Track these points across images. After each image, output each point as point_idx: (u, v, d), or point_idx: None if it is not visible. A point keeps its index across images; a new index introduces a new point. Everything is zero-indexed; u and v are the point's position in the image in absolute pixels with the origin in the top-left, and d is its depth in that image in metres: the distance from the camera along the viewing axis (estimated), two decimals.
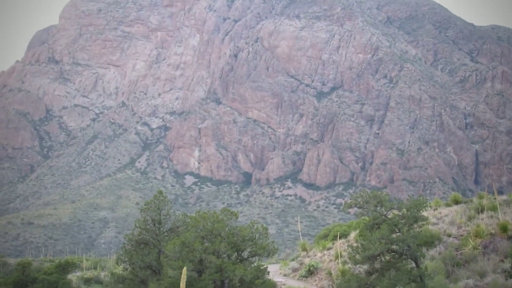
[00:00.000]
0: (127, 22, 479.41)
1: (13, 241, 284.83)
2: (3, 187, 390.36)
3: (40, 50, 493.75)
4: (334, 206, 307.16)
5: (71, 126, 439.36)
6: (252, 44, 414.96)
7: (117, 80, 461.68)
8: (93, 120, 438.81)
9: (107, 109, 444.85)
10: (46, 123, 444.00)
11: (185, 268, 15.55)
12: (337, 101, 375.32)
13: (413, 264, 39.78)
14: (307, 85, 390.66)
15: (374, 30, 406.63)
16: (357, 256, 40.33)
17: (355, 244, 42.67)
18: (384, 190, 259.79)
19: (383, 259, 39.95)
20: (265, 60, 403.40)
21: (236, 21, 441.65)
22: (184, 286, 13.04)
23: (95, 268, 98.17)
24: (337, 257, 54.48)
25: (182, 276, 15.56)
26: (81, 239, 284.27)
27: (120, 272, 52.20)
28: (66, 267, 54.70)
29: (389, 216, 41.06)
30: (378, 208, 41.13)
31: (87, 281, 78.83)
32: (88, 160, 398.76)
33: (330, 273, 53.58)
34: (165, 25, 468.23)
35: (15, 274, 46.27)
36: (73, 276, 74.29)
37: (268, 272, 42.16)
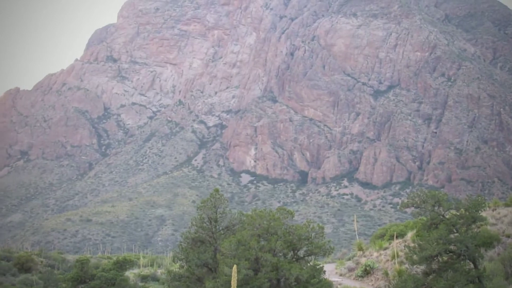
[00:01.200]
0: (184, 20, 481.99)
1: (72, 238, 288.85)
2: (62, 185, 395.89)
3: (98, 49, 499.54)
4: (391, 205, 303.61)
5: (128, 124, 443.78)
6: (309, 43, 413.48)
7: (174, 78, 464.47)
8: (151, 118, 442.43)
9: (164, 107, 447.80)
10: (104, 121, 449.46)
11: (235, 266, 15.57)
12: (394, 99, 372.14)
13: (471, 265, 39.13)
14: (363, 84, 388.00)
15: (432, 28, 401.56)
16: (414, 257, 39.84)
17: (412, 244, 42.30)
18: (442, 189, 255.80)
19: (440, 259, 39.33)
20: (322, 58, 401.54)
21: (292, 19, 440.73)
22: (236, 284, 13.08)
23: (151, 265, 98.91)
24: (393, 257, 53.91)
25: (233, 274, 15.58)
26: (138, 237, 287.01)
27: (177, 269, 52.40)
28: (123, 264, 55.33)
29: (447, 216, 40.39)
30: (436, 208, 40.50)
31: (144, 278, 79.51)
32: (145, 158, 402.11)
33: (386, 273, 53.06)
34: (222, 24, 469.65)
35: (74, 271, 46.95)
36: (130, 273, 74.97)
37: (324, 272, 41.97)
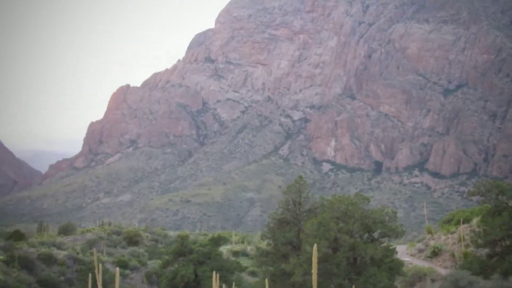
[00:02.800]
0: (274, 26, 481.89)
1: (173, 216, 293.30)
2: (165, 170, 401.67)
3: (198, 51, 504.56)
4: (458, 193, 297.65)
5: (223, 117, 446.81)
6: (385, 46, 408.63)
7: (264, 77, 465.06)
8: (243, 112, 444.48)
9: (255, 103, 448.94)
10: (202, 114, 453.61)
11: (315, 245, 15.58)
12: (462, 97, 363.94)
13: None
14: (434, 83, 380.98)
15: (498, 33, 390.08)
16: (479, 240, 39.38)
17: (477, 229, 41.57)
18: (505, 180, 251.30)
19: (503, 243, 38.45)
20: (396, 60, 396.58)
21: (370, 25, 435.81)
22: (316, 261, 13.11)
23: (242, 242, 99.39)
24: (460, 241, 52.92)
25: (314, 252, 15.64)
26: (231, 217, 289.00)
27: (264, 247, 52.73)
28: (218, 241, 55.91)
29: (510, 204, 39.56)
30: (500, 196, 39.93)
31: (235, 253, 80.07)
32: (238, 147, 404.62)
33: (453, 255, 52.17)
34: (307, 29, 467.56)
35: (175, 245, 47.65)
36: (223, 249, 75.49)
37: (396, 252, 41.46)
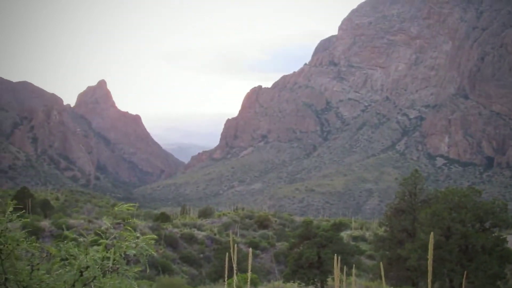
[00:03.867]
0: (392, 32, 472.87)
1: (299, 203, 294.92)
2: (292, 162, 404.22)
3: (322, 55, 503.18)
4: None
5: (345, 115, 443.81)
6: (497, 49, 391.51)
7: (382, 79, 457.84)
8: (362, 111, 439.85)
9: (374, 102, 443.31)
10: (326, 112, 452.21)
11: (432, 233, 15.35)
12: None
13: None
14: None
15: None
16: None
17: None
18: None
19: None
20: (509, 62, 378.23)
21: (483, 30, 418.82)
22: (432, 248, 12.92)
23: (361, 228, 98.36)
24: None
25: (430, 239, 15.38)
26: (351, 205, 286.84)
27: (381, 233, 52.17)
28: (339, 226, 55.78)
29: None
30: None
31: (354, 238, 79.46)
32: (358, 142, 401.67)
33: None
34: (423, 34, 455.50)
35: (300, 229, 47.86)
36: (344, 234, 75.19)
37: (507, 242, 39.91)
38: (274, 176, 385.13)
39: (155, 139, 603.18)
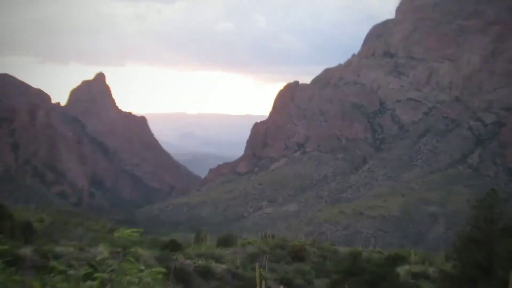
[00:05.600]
0: (463, 15, 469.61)
1: (344, 230, 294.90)
2: (336, 177, 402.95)
3: (376, 45, 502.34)
4: None
5: (403, 119, 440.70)
6: None
7: (451, 74, 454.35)
8: (426, 114, 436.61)
9: (440, 103, 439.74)
10: (379, 115, 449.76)
11: None
12: None
13: None
14: None
15: None
16: None
17: None
18: None
19: None
20: None
21: None
22: None
23: (423, 263, 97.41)
24: None
25: (510, 279, 15.02)
26: (410, 233, 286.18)
27: (449, 269, 51.71)
28: (395, 260, 55.21)
29: None
30: None
31: (414, 275, 78.51)
32: (419, 154, 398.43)
33: None
34: (503, 18, 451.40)
35: (345, 263, 47.65)
36: (401, 269, 74.49)
37: None
38: (313, 195, 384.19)
39: (165, 147, 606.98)
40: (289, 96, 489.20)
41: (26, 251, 56.13)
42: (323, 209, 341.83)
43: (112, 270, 6.41)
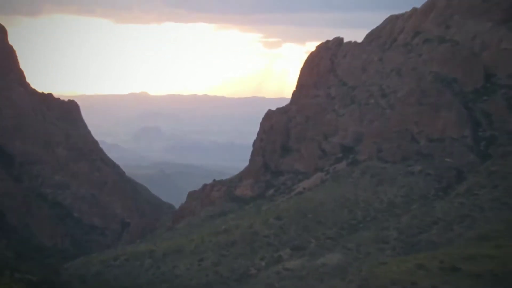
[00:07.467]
0: None
1: None
2: (412, 205, 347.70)
3: None
4: None
5: None
6: None
7: None
8: None
9: None
10: (485, 97, 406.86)
11: None
12: None
13: None
14: None
15: None
16: None
17: None
18: None
19: None
20: None
21: None
22: None
23: None
24: None
25: None
26: None
27: None
28: None
29: None
30: None
31: None
32: None
33: None
34: None
35: None
36: None
37: None
38: (371, 236, 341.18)
39: (114, 153, 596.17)
40: (327, 65, 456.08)
41: None
42: (389, 261, 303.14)
43: None
